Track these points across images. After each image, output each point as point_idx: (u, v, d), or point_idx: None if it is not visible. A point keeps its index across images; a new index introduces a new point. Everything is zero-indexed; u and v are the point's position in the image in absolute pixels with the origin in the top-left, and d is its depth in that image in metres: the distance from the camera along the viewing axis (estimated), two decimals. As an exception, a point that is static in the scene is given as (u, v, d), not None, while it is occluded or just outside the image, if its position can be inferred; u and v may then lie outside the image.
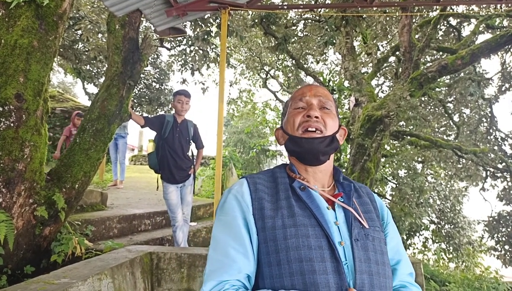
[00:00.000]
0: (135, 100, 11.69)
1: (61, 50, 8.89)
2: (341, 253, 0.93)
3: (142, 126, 4.40)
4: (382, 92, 12.01)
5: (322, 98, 1.12)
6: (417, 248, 12.07)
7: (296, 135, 1.07)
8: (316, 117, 1.07)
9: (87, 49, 9.42)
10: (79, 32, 8.55)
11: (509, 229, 10.00)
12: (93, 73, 11.20)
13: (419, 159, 11.71)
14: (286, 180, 1.07)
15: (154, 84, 13.30)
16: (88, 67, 10.83)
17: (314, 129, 1.06)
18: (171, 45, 8.85)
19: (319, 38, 7.64)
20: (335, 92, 9.29)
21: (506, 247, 9.85)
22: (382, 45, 10.91)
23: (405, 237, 11.86)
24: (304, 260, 0.89)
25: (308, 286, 0.87)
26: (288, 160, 1.19)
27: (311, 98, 1.11)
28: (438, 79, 8.06)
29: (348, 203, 1.05)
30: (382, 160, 9.80)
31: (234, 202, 0.99)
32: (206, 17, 6.16)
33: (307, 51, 10.09)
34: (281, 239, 0.92)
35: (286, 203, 0.99)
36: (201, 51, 7.73)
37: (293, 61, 9.92)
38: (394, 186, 11.93)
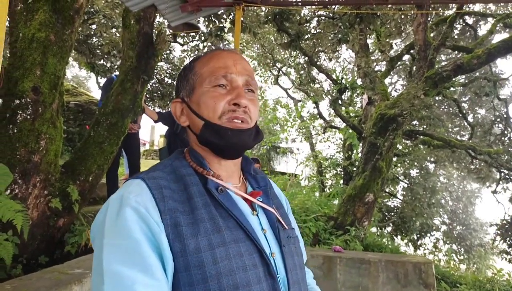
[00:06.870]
0: (147, 95, 11.76)
1: (76, 44, 8.98)
2: (274, 267, 0.79)
3: (155, 121, 4.44)
4: (395, 91, 11.93)
5: (248, 77, 0.87)
6: (427, 248, 11.96)
7: (218, 123, 0.83)
8: (245, 107, 0.84)
9: (101, 44, 9.50)
10: (93, 26, 8.63)
11: (522, 232, 9.84)
12: (107, 68, 11.30)
13: (432, 159, 11.59)
14: (196, 178, 0.82)
15: (166, 79, 13.36)
16: (101, 61, 10.93)
17: (240, 121, 0.84)
18: (184, 40, 8.89)
19: (332, 35, 7.58)
20: (348, 90, 9.22)
21: (519, 250, 9.71)
22: (396, 44, 10.80)
23: (415, 237, 11.76)
24: (240, 287, 0.71)
25: None
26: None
27: (237, 77, 0.85)
28: (453, 79, 7.94)
29: (268, 203, 0.88)
30: (394, 159, 9.70)
31: (134, 218, 0.70)
32: (219, 13, 6.16)
33: (320, 48, 10.01)
34: (210, 264, 0.71)
35: (206, 213, 0.76)
36: (213, 47, 7.74)
37: (306, 58, 9.85)
38: (405, 185, 11.84)
